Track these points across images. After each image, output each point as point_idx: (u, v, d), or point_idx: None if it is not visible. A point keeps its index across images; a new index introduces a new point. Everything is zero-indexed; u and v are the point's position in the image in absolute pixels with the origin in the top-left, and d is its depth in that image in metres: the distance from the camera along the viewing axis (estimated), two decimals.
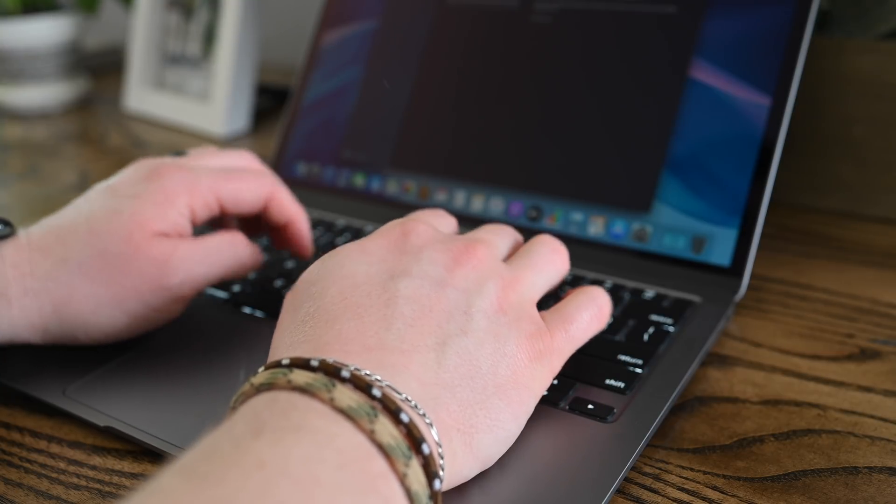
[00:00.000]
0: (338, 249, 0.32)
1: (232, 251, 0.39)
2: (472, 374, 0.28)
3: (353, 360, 0.26)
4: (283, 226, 0.42)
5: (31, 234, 0.37)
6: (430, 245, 0.31)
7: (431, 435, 0.25)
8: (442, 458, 0.26)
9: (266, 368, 0.26)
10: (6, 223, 0.36)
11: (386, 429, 0.24)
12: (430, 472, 0.24)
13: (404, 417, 0.24)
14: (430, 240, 0.32)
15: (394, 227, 0.33)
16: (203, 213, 0.39)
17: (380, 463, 0.23)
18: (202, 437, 0.23)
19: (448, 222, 0.37)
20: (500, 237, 0.35)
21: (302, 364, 0.25)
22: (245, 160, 0.43)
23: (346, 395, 0.24)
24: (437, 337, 0.28)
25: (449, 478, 0.27)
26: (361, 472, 0.23)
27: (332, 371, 0.25)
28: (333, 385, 0.24)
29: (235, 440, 0.22)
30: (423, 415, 0.26)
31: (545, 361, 0.30)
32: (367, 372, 0.26)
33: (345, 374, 0.25)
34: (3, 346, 0.36)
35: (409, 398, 0.26)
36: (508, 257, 0.35)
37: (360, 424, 0.23)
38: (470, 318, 0.29)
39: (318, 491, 0.21)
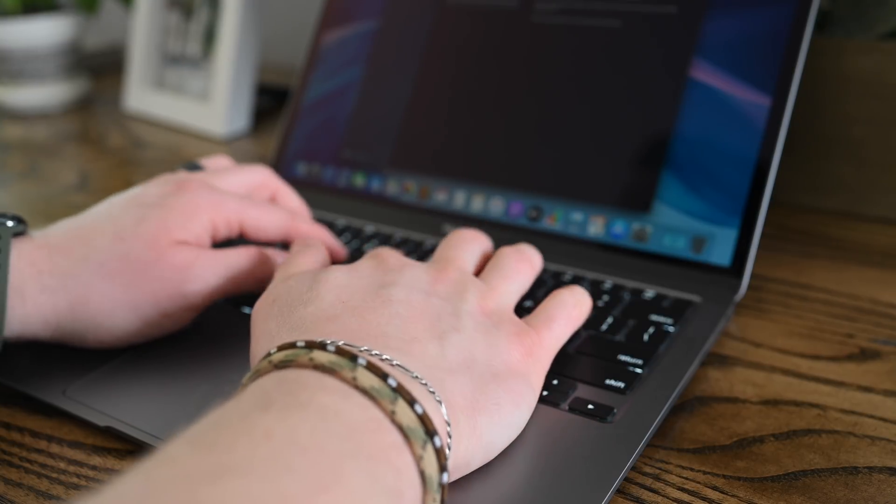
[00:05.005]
0: (325, 269, 0.34)
1: (249, 268, 0.40)
2: (468, 364, 0.29)
3: (363, 344, 0.27)
4: None
5: (48, 235, 0.37)
6: (408, 266, 0.34)
7: (441, 415, 0.26)
8: (450, 437, 0.26)
9: (279, 349, 0.27)
10: (20, 220, 0.36)
11: (405, 412, 0.24)
12: (441, 465, 0.25)
13: (418, 409, 0.25)
14: (407, 264, 0.34)
15: (373, 254, 0.35)
16: (224, 232, 0.40)
17: (395, 437, 0.24)
18: (210, 410, 0.24)
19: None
20: (468, 252, 0.37)
21: (318, 346, 0.26)
22: (261, 175, 0.44)
23: (368, 376, 0.25)
24: (434, 332, 0.30)
25: (455, 462, 0.27)
26: (371, 442, 0.23)
27: (348, 355, 0.25)
28: (355, 366, 0.25)
29: (243, 413, 0.23)
30: (433, 392, 0.27)
31: (536, 358, 0.32)
32: (377, 352, 0.27)
33: (361, 361, 0.25)
34: (10, 341, 0.36)
35: (419, 375, 0.27)
36: (479, 269, 0.37)
37: (382, 405, 0.24)
38: (458, 318, 0.31)
39: (326, 457, 0.22)
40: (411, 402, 0.25)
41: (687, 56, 0.46)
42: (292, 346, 0.26)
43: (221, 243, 0.41)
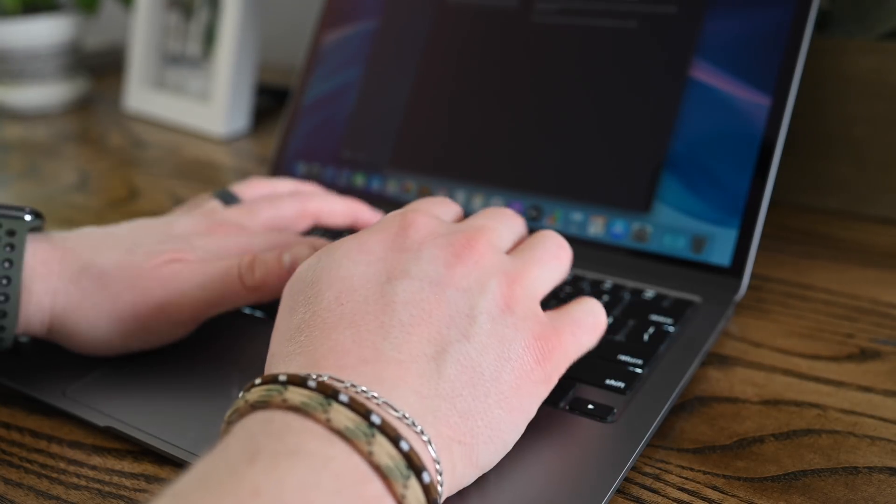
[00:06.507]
0: (336, 245, 0.31)
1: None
2: (473, 382, 0.27)
3: (349, 376, 0.25)
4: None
5: (67, 239, 0.37)
6: (430, 240, 0.30)
7: (429, 453, 0.25)
8: (440, 474, 0.25)
9: (262, 382, 0.25)
10: (37, 214, 0.36)
11: (384, 449, 0.23)
12: (431, 500, 0.24)
13: (404, 446, 0.23)
14: (431, 233, 0.31)
15: (394, 219, 0.32)
16: None
17: (377, 486, 0.23)
18: (197, 460, 0.23)
19: (451, 210, 0.36)
20: (504, 224, 0.33)
21: (299, 382, 0.24)
22: (298, 205, 0.44)
23: (343, 415, 0.23)
24: (437, 345, 0.27)
25: (448, 488, 0.26)
26: (358, 497, 0.22)
27: (329, 392, 0.24)
28: (329, 404, 0.24)
29: (230, 466, 0.22)
30: (421, 431, 0.25)
31: (552, 365, 0.30)
32: (364, 388, 0.25)
33: (343, 398, 0.24)
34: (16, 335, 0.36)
35: (407, 415, 0.25)
36: (512, 249, 0.33)
37: (358, 446, 0.23)
38: (472, 320, 0.28)
39: None
40: (395, 439, 0.23)
41: (687, 56, 0.46)
42: (274, 379, 0.25)
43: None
